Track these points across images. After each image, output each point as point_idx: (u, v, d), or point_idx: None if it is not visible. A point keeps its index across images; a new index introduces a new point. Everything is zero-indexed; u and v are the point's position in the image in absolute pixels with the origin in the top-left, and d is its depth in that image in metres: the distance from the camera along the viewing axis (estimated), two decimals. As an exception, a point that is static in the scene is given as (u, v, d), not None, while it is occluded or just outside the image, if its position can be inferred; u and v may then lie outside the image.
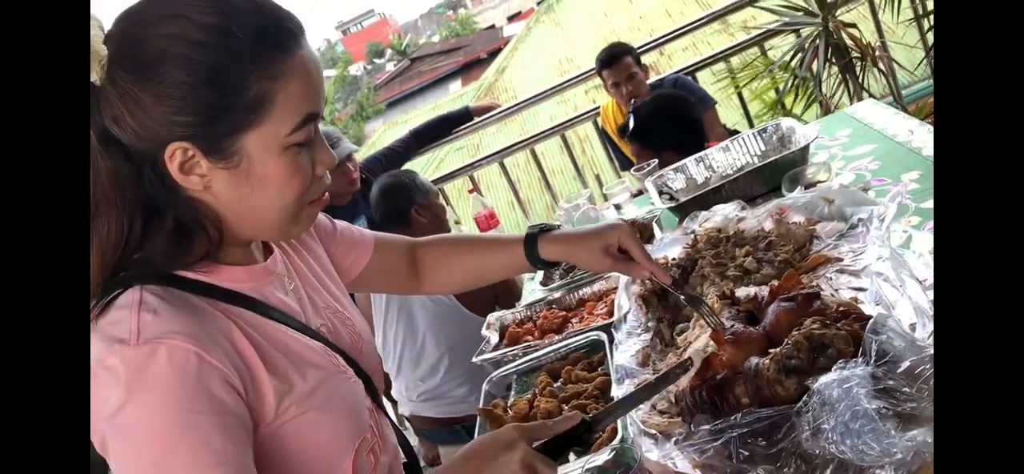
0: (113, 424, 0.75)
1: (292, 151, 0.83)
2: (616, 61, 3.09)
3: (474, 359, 1.65)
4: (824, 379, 0.85)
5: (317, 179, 0.89)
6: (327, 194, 0.95)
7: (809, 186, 1.61)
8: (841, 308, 1.01)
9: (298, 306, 0.96)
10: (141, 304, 0.79)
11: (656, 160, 2.18)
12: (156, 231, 0.84)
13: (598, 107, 3.55)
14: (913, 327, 0.96)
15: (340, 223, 1.23)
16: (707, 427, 0.95)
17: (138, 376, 0.74)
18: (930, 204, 1.43)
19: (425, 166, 7.16)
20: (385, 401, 1.14)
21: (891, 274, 1.10)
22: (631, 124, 2.42)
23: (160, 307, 0.79)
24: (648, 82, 3.19)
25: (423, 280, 1.32)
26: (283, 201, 0.86)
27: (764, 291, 1.12)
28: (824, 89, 3.28)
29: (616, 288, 1.61)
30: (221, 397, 0.78)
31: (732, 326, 1.04)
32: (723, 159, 2.00)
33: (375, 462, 0.98)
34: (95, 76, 0.77)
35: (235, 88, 0.78)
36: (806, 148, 1.75)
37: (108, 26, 0.80)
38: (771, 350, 0.97)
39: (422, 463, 2.28)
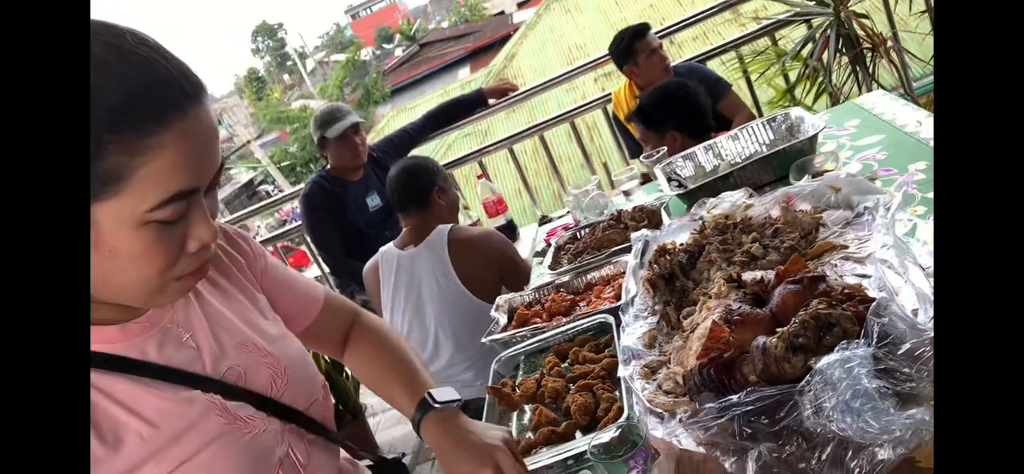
0: None
1: (152, 227, 0.77)
2: (640, 38, 3.13)
3: (483, 340, 1.68)
4: (826, 359, 0.87)
5: (188, 255, 0.81)
6: (207, 266, 0.87)
7: (817, 175, 1.63)
8: (846, 290, 1.03)
9: (196, 354, 0.92)
10: None
11: (665, 148, 2.20)
12: None
13: (608, 94, 3.56)
14: (916, 312, 0.98)
15: (291, 272, 1.19)
16: (713, 404, 0.98)
17: None
18: (936, 194, 1.45)
19: (433, 151, 7.18)
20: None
21: (895, 261, 1.12)
22: (638, 106, 2.48)
23: None
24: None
25: (352, 351, 1.25)
26: (138, 276, 0.79)
27: (770, 275, 1.14)
28: (834, 79, 3.28)
29: (623, 273, 1.63)
30: None
31: (739, 307, 1.07)
32: (732, 147, 2.01)
33: None
34: None
35: (90, 153, 0.70)
36: (814, 137, 1.77)
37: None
38: (778, 329, 0.99)
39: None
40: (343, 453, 1.15)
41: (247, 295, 1.06)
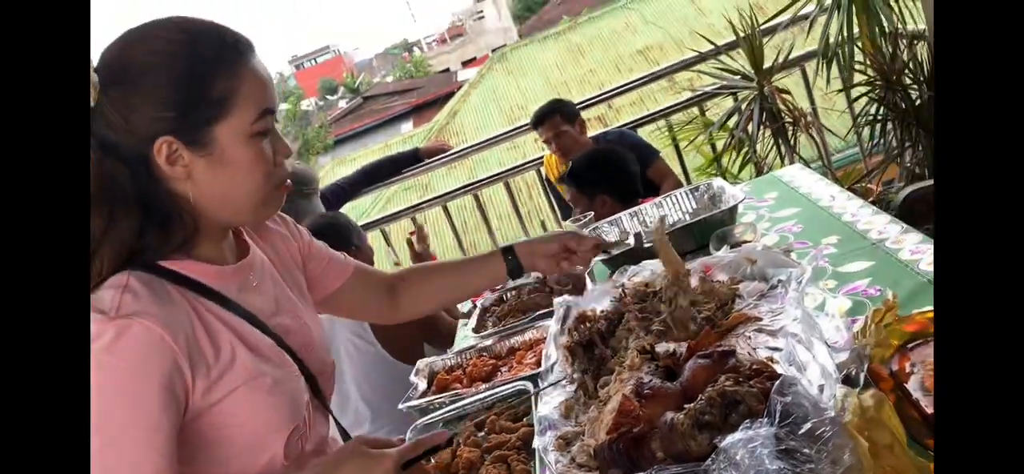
0: None
1: (256, 140, 1.00)
2: (544, 121, 3.23)
3: (400, 405, 1.63)
4: (731, 438, 0.87)
5: (279, 166, 1.05)
6: (289, 181, 1.09)
7: (736, 245, 1.66)
8: (755, 366, 1.03)
9: (261, 304, 1.10)
10: (126, 287, 0.94)
11: (592, 212, 2.22)
12: (148, 225, 0.99)
13: (542, 156, 3.60)
14: (822, 387, 0.99)
15: (318, 242, 1.37)
16: (621, 481, 0.96)
17: (109, 343, 0.89)
18: (847, 268, 1.49)
19: (372, 204, 7.12)
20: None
21: (804, 336, 1.13)
22: (569, 169, 2.53)
23: (140, 291, 0.94)
24: (593, 135, 3.30)
25: (401, 304, 1.47)
26: (253, 183, 1.02)
27: (682, 347, 1.15)
28: (759, 150, 3.39)
29: (546, 338, 1.62)
30: (170, 377, 0.92)
31: (650, 381, 1.06)
32: (656, 214, 2.04)
33: (301, 448, 1.09)
34: (92, 99, 0.93)
35: (204, 86, 0.96)
36: (734, 208, 1.81)
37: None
38: (686, 406, 0.99)
39: None
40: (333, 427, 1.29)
41: (289, 261, 1.26)
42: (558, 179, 3.07)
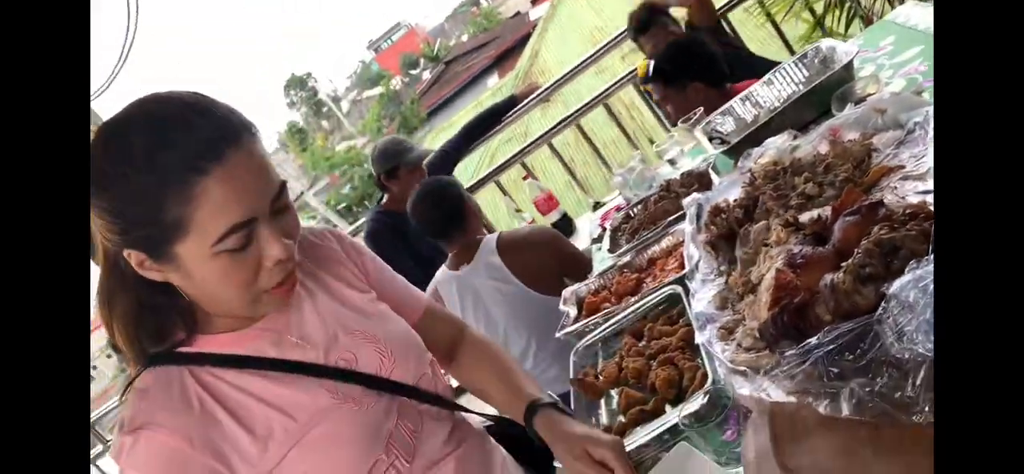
0: None
1: (225, 256, 0.90)
2: (649, 27, 3.07)
3: (557, 334, 1.70)
4: (899, 282, 0.87)
5: (267, 270, 0.94)
6: (294, 277, 1.00)
7: (859, 101, 1.60)
8: (908, 210, 1.02)
9: (312, 348, 1.05)
10: (144, 391, 0.96)
11: (701, 109, 2.20)
12: (144, 312, 0.97)
13: (634, 69, 3.54)
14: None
15: (399, 277, 1.28)
16: (793, 351, 0.98)
17: (126, 457, 0.92)
18: (986, 92, 1.41)
19: (478, 162, 7.23)
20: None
21: (955, 169, 1.10)
22: (652, 69, 2.48)
23: (155, 395, 0.95)
24: None
25: (459, 364, 1.33)
26: (227, 297, 0.95)
27: (827, 211, 1.14)
28: (862, 1, 3.19)
29: (683, 242, 1.63)
30: None
31: (801, 250, 1.06)
32: (768, 93, 1.99)
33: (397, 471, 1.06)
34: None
35: (154, 211, 0.87)
36: (850, 64, 1.74)
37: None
38: (843, 264, 0.99)
39: None
40: (465, 416, 1.23)
41: (350, 286, 1.16)
42: (642, 81, 2.96)
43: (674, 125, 2.92)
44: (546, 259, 2.39)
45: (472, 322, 2.42)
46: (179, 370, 0.97)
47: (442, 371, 1.22)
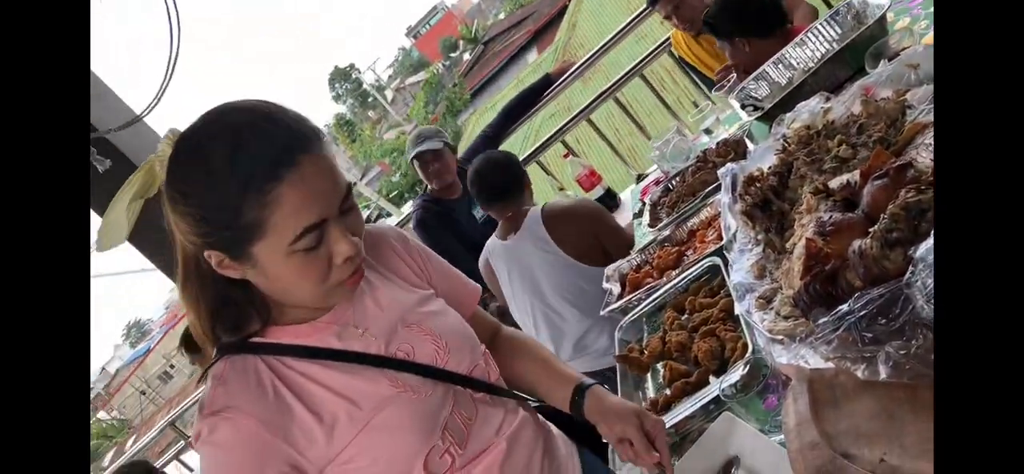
0: None
1: (299, 254, 0.96)
2: None
3: (601, 312, 1.74)
4: (925, 245, 0.88)
5: (337, 267, 1.00)
6: (361, 271, 1.05)
7: (893, 56, 1.58)
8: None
9: (374, 339, 1.11)
10: (220, 377, 1.01)
11: (734, 75, 2.18)
12: (223, 306, 1.04)
13: (669, 37, 3.49)
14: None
15: (456, 274, 1.33)
16: (826, 318, 1.00)
17: (206, 438, 0.98)
18: None
19: (523, 140, 7.24)
20: None
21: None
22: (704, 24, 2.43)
23: (232, 381, 1.01)
24: None
25: (499, 357, 1.33)
26: (302, 291, 1.01)
27: (856, 176, 1.14)
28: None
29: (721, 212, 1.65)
30: (266, 460, 0.98)
31: (830, 217, 1.08)
32: (801, 54, 1.97)
33: (451, 462, 1.11)
34: (158, 184, 0.98)
35: (233, 215, 0.92)
36: (882, 18, 1.71)
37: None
38: (871, 229, 1.00)
39: None
40: (517, 401, 1.26)
41: (409, 282, 1.22)
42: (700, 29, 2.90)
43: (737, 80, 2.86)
44: (588, 231, 2.42)
45: (519, 289, 2.49)
46: (253, 359, 1.04)
47: (493, 364, 1.27)
